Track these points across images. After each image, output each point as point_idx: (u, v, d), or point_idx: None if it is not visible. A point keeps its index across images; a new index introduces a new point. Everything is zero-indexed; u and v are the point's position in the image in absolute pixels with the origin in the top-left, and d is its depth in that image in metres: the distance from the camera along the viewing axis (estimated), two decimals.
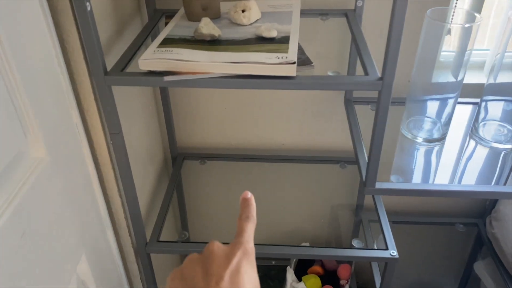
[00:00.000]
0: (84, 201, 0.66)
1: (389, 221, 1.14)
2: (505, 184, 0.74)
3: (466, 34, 0.72)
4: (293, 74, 0.59)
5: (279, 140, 1.07)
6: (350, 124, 0.87)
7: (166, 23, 0.75)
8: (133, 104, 0.84)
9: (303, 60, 0.63)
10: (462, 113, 0.91)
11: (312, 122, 1.03)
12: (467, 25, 0.69)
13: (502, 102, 0.83)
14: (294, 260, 1.14)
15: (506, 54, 0.78)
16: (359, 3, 0.81)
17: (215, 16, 0.74)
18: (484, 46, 1.07)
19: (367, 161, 0.68)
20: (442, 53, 0.82)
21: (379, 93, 0.59)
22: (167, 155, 1.07)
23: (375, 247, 0.89)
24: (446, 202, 1.15)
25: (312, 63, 0.62)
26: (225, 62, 0.59)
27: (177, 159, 1.06)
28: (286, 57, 0.60)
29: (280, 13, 0.76)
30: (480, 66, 1.04)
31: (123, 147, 0.68)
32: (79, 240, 0.64)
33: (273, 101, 1.01)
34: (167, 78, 0.59)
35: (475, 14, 0.71)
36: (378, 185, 0.69)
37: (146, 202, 0.91)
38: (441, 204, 1.15)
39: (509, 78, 0.80)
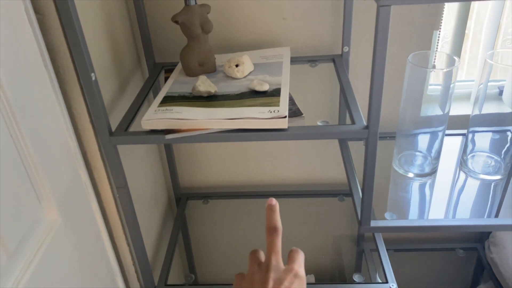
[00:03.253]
0: (95, 253, 0.69)
1: (390, 249, 1.17)
2: (496, 216, 0.77)
3: (448, 74, 0.77)
4: (285, 126, 0.63)
5: (279, 176, 1.11)
6: (344, 161, 0.91)
7: (166, 78, 0.80)
8: (138, 154, 0.88)
9: (294, 111, 0.68)
10: (451, 145, 0.95)
11: (309, 157, 1.07)
12: (445, 70, 0.74)
13: (489, 133, 0.87)
14: None
15: (490, 84, 0.82)
16: (345, 49, 0.86)
17: (211, 71, 0.79)
18: (473, 76, 1.12)
19: (361, 200, 0.72)
20: (429, 87, 0.86)
21: (366, 140, 0.63)
22: (171, 197, 1.11)
23: (378, 279, 0.92)
24: None
25: (302, 114, 0.67)
26: (222, 119, 0.63)
27: (181, 200, 1.09)
28: (278, 111, 0.64)
29: (271, 64, 0.81)
30: (467, 97, 1.09)
31: (129, 199, 0.72)
32: None
33: (271, 141, 1.05)
34: (168, 137, 0.63)
35: (454, 57, 0.76)
36: (373, 223, 0.72)
37: (152, 245, 0.94)
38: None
39: (493, 109, 0.84)
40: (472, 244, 1.16)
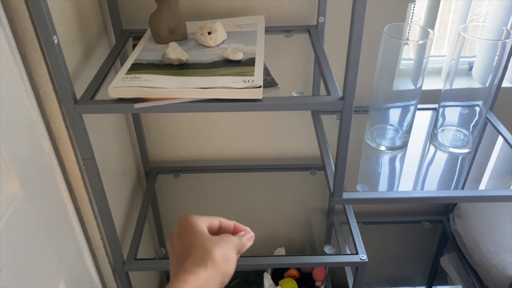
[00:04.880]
0: (60, 227, 0.67)
1: (360, 222, 1.19)
2: (463, 188, 0.79)
3: (422, 48, 0.76)
4: (260, 97, 0.61)
5: (251, 150, 1.10)
6: (317, 134, 0.90)
7: (134, 45, 0.76)
8: (105, 125, 0.85)
9: (269, 82, 0.66)
10: (423, 120, 0.96)
11: (282, 131, 1.06)
12: (421, 42, 0.74)
13: (459, 108, 0.88)
14: None
15: (461, 60, 0.83)
16: (321, 20, 0.85)
17: (182, 38, 0.76)
18: (443, 51, 1.13)
19: (333, 172, 0.71)
20: (402, 62, 0.86)
21: (341, 111, 0.62)
22: (141, 170, 1.08)
23: (347, 251, 0.93)
24: None
25: (277, 84, 0.65)
26: (194, 88, 0.61)
27: (151, 174, 1.07)
28: (253, 81, 0.62)
29: (245, 33, 0.78)
30: (438, 72, 1.10)
31: (96, 171, 0.69)
32: (57, 266, 0.64)
33: (243, 113, 1.03)
34: (137, 106, 0.60)
35: (429, 30, 0.76)
36: (345, 195, 0.72)
37: (121, 220, 0.92)
38: (408, 203, 1.20)
39: (464, 84, 0.85)
40: (437, 217, 1.19)
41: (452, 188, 0.79)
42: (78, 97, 0.63)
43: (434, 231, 1.21)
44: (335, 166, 0.69)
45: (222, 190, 1.10)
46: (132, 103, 0.61)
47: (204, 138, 1.06)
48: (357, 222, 1.18)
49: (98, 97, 0.65)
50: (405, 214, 1.21)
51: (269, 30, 0.85)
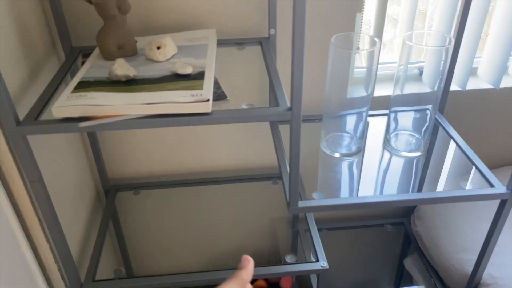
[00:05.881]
0: (9, 255, 0.64)
1: (324, 228, 1.20)
2: (419, 190, 0.81)
3: (371, 56, 0.78)
4: (208, 110, 0.61)
5: (213, 162, 1.09)
6: (275, 144, 0.91)
7: (83, 63, 0.75)
8: (57, 144, 0.83)
9: (219, 95, 0.66)
10: (378, 125, 0.98)
11: (243, 142, 1.06)
12: (364, 50, 0.76)
13: (411, 112, 0.91)
14: None
15: (411, 66, 0.85)
16: (272, 32, 0.86)
17: (132, 54, 0.75)
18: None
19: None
20: (356, 70, 0.88)
21: (290, 122, 0.63)
22: (99, 189, 1.05)
23: (312, 259, 0.93)
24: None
25: (227, 97, 0.65)
26: (140, 104, 0.60)
27: (110, 191, 1.05)
28: (201, 94, 0.62)
29: (196, 46, 0.78)
30: (392, 78, 1.12)
31: (44, 193, 0.67)
32: None
33: (201, 125, 1.02)
34: (82, 125, 0.59)
35: (375, 39, 0.78)
36: (301, 203, 0.73)
37: (79, 241, 0.89)
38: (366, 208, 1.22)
39: (415, 89, 0.87)
40: (399, 219, 1.22)
41: (410, 191, 0.81)
42: (21, 118, 0.61)
43: (397, 234, 1.23)
44: (289, 175, 0.69)
45: (185, 204, 1.09)
46: (77, 122, 0.60)
47: (164, 153, 1.05)
48: (322, 229, 1.20)
49: (44, 117, 0.63)
50: (368, 218, 1.23)
51: (221, 43, 0.85)
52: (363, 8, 0.90)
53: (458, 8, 0.91)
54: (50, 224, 0.70)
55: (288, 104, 0.63)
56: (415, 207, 1.16)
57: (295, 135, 0.63)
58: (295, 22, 0.54)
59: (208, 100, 0.61)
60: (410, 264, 1.17)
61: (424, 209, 1.11)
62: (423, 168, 0.87)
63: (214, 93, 0.66)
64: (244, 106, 0.65)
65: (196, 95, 0.62)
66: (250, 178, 1.10)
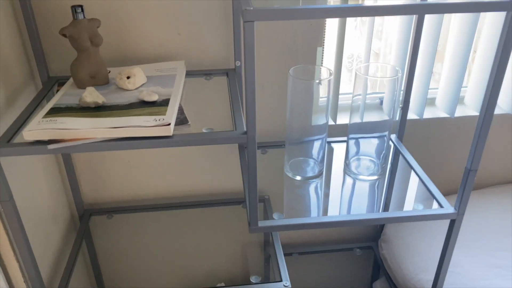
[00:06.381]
0: None
1: (295, 252, 1.24)
2: (372, 211, 0.86)
3: (329, 87, 0.85)
4: (170, 134, 0.66)
5: (184, 187, 1.13)
6: (241, 168, 0.95)
7: (57, 91, 0.80)
8: (32, 167, 0.87)
9: (181, 120, 0.72)
10: (341, 151, 1.04)
11: (215, 167, 1.11)
12: (317, 81, 0.82)
13: (368, 139, 0.97)
14: None
15: (372, 96, 0.92)
16: (238, 63, 0.92)
17: (103, 83, 0.81)
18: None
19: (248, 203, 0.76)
20: (315, 99, 0.94)
21: (246, 145, 0.68)
22: (74, 212, 1.08)
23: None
24: (345, 230, 1.26)
25: (188, 122, 0.71)
26: (105, 128, 0.65)
27: (84, 215, 1.08)
28: (163, 119, 0.67)
29: (165, 77, 0.84)
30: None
31: (15, 213, 0.70)
32: None
33: (175, 150, 1.07)
34: (51, 147, 0.64)
35: (329, 70, 0.84)
36: (261, 223, 0.77)
37: (51, 263, 0.92)
38: (341, 232, 1.26)
39: (374, 117, 0.94)
40: (368, 243, 1.26)
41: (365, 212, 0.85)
42: None
43: (366, 258, 1.27)
44: (248, 196, 0.73)
45: (158, 228, 1.12)
46: (46, 145, 0.64)
47: (137, 177, 1.09)
48: (293, 253, 1.23)
49: (17, 140, 0.68)
50: (338, 242, 1.26)
51: (191, 73, 0.92)
52: (323, 42, 0.98)
53: (409, 48, 0.98)
54: (20, 244, 0.73)
55: (245, 128, 0.68)
56: (381, 230, 1.20)
57: (252, 157, 0.68)
58: (246, 58, 0.60)
59: (169, 124, 0.66)
60: (379, 287, 1.20)
61: (389, 233, 1.15)
62: (379, 191, 0.92)
63: (177, 118, 0.71)
64: (204, 130, 0.70)
65: (159, 119, 0.67)
66: (221, 202, 1.14)
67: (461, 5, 0.65)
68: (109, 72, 0.84)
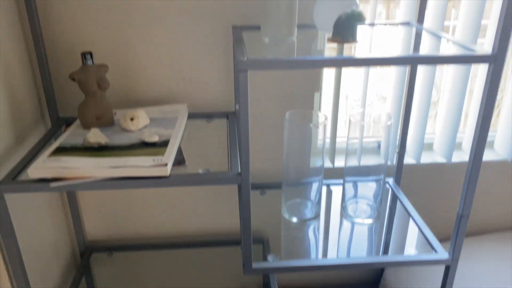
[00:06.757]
0: None
1: None
2: (369, 255, 0.86)
3: (323, 131, 0.88)
4: (166, 174, 0.69)
5: (184, 227, 1.14)
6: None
7: (65, 131, 0.85)
8: (36, 204, 0.89)
9: (179, 161, 0.75)
10: (336, 193, 1.05)
11: (214, 207, 1.12)
12: (311, 125, 0.85)
13: (366, 182, 0.98)
14: None
15: (370, 140, 0.94)
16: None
17: (109, 124, 0.85)
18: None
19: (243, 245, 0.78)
20: (312, 142, 0.97)
21: (239, 186, 0.70)
22: (75, 249, 1.10)
23: None
24: (344, 274, 1.25)
25: (185, 162, 0.74)
26: (105, 167, 0.68)
27: (85, 252, 1.09)
28: (161, 160, 0.71)
29: (167, 119, 0.88)
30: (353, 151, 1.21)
31: (16, 249, 0.72)
32: None
33: (174, 190, 1.09)
34: (53, 185, 0.67)
35: (325, 116, 0.88)
36: (255, 265, 0.78)
37: None
38: (342, 275, 1.25)
39: (372, 161, 0.96)
40: (369, 287, 1.24)
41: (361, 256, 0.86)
42: (2, 178, 0.69)
43: None
44: (242, 238, 0.75)
45: (158, 268, 1.13)
46: (49, 183, 0.67)
47: (139, 215, 1.11)
48: None
49: (23, 177, 0.71)
50: (339, 285, 1.25)
51: (193, 116, 0.96)
52: (321, 88, 1.02)
53: (404, 95, 1.02)
54: (19, 280, 0.75)
55: (239, 170, 0.71)
56: (381, 274, 1.19)
57: (245, 197, 0.71)
58: (241, 105, 0.64)
59: (166, 164, 0.69)
60: None
61: (389, 279, 1.14)
62: (375, 235, 0.92)
63: (176, 159, 0.74)
64: (200, 171, 0.73)
65: (157, 160, 0.70)
66: (221, 243, 1.14)
67: (447, 58, 0.69)
68: (115, 113, 0.88)
